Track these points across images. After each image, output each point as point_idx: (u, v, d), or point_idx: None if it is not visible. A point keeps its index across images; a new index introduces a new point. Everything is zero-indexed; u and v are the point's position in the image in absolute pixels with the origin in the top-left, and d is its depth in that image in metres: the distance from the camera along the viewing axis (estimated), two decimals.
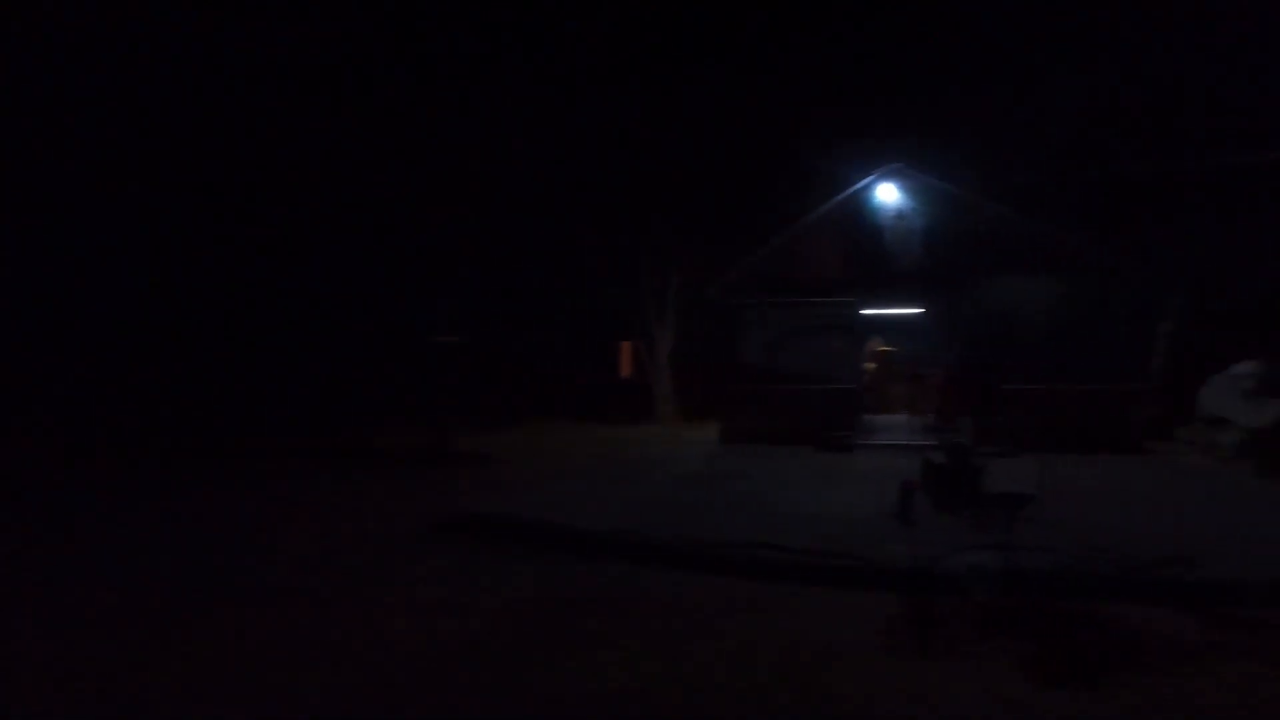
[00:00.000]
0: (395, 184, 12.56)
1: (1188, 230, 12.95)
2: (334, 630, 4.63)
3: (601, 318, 18.57)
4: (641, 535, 6.44)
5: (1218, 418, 9.62)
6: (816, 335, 12.57)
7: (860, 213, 12.45)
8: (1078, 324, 11.32)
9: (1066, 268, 11.42)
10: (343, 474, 10.65)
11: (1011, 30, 18.06)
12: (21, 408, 14.62)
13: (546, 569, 5.93)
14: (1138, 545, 5.74)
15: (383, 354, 15.86)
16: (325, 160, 13.01)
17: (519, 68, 12.60)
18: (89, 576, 5.84)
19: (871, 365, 15.11)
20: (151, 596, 5.29)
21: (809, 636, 4.39)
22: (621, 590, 5.35)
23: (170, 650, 4.28)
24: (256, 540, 7.01)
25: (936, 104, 18.22)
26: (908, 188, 12.23)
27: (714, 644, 4.33)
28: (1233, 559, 5.30)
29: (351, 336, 15.58)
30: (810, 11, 18.44)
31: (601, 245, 16.81)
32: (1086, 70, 14.20)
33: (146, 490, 9.77)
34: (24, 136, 14.79)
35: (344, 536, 7.12)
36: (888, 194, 12.29)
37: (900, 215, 12.20)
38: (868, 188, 12.42)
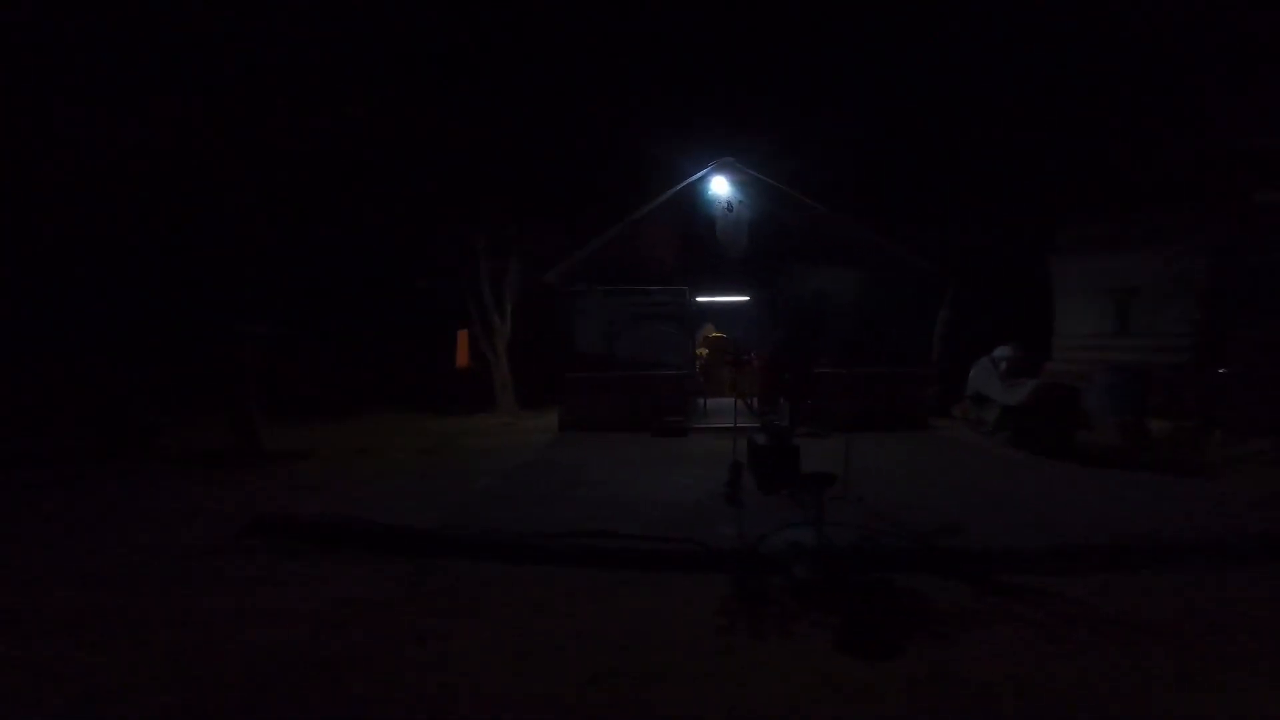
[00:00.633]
0: (198, 164, 10.93)
1: (959, 227, 14.86)
2: (132, 653, 4.06)
3: (437, 306, 17.75)
4: (472, 530, 6.24)
5: (982, 396, 11.16)
6: (651, 322, 12.88)
7: (693, 204, 12.89)
8: (877, 312, 12.58)
9: (867, 260, 12.62)
10: (129, 478, 9.26)
11: (826, 38, 19.53)
12: None
13: (366, 570, 5.56)
14: (923, 516, 6.52)
15: (179, 348, 13.95)
16: (110, 131, 11.00)
17: (357, 47, 11.51)
18: None
19: (704, 350, 15.82)
20: None
21: (643, 622, 4.48)
22: (447, 588, 5.15)
23: None
24: (28, 564, 5.90)
25: (764, 102, 19.31)
26: (737, 181, 12.84)
27: (545, 635, 4.30)
28: (995, 527, 6.14)
29: (144, 329, 13.50)
30: (651, 8, 18.74)
31: (436, 232, 16.03)
32: (894, 79, 15.76)
33: None
34: None
35: (134, 548, 6.22)
36: (719, 187, 12.83)
37: (729, 207, 12.79)
38: (700, 180, 12.89)
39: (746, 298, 15.19)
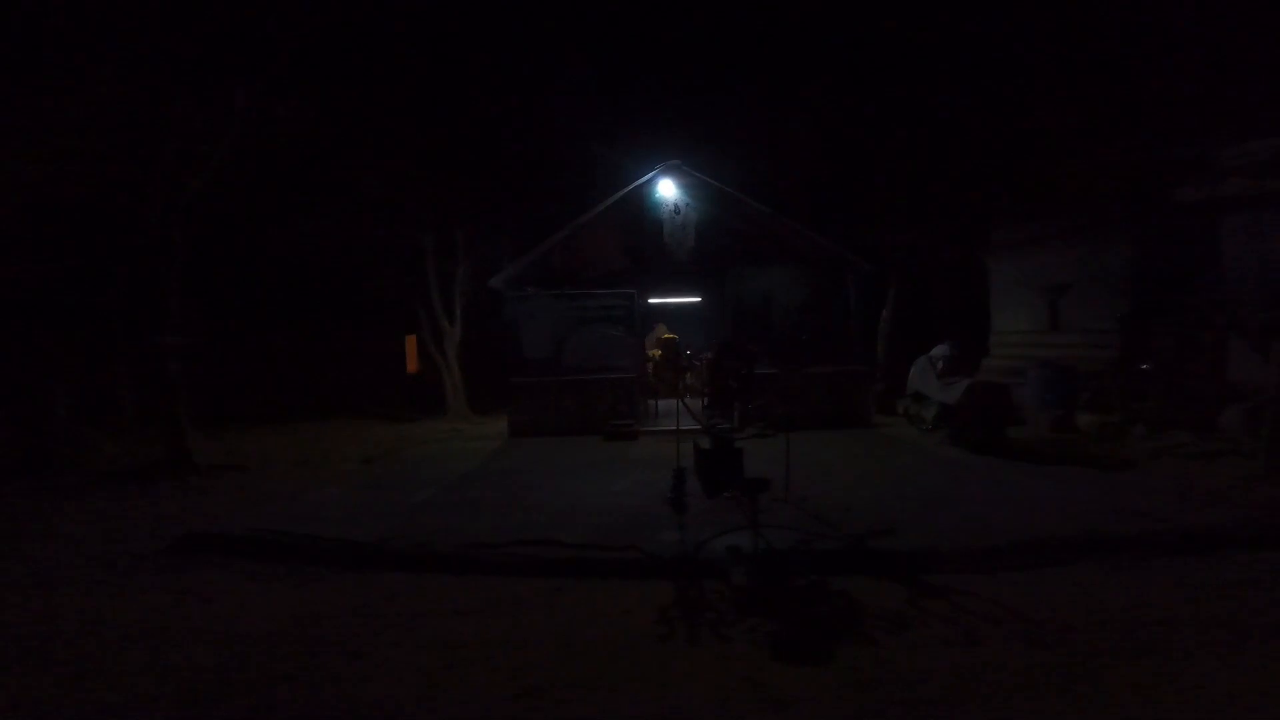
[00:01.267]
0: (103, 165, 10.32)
1: (900, 228, 15.25)
2: (31, 676, 3.87)
3: (386, 311, 17.42)
4: (409, 541, 6.15)
5: (921, 394, 11.48)
6: (599, 325, 12.87)
7: (640, 207, 12.92)
8: (822, 311, 12.81)
9: (811, 260, 12.83)
10: (50, 494, 8.82)
11: (770, 43, 19.80)
12: None
13: (299, 585, 5.44)
14: (861, 517, 6.65)
15: (106, 360, 13.33)
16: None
17: (305, 48, 11.10)
18: None
19: (657, 352, 15.88)
20: None
21: (579, 631, 4.48)
22: (381, 601, 5.07)
23: None
24: None
25: (710, 106, 19.48)
26: (683, 184, 12.92)
27: (478, 647, 4.27)
28: (928, 527, 6.25)
29: (67, 340, 12.81)
30: (599, 16, 18.73)
31: (383, 236, 15.74)
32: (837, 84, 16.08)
33: None
34: None
35: (49, 565, 5.97)
36: (666, 189, 12.90)
37: (676, 210, 12.87)
38: (648, 184, 12.93)
39: (698, 299, 15.31)
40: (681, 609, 4.84)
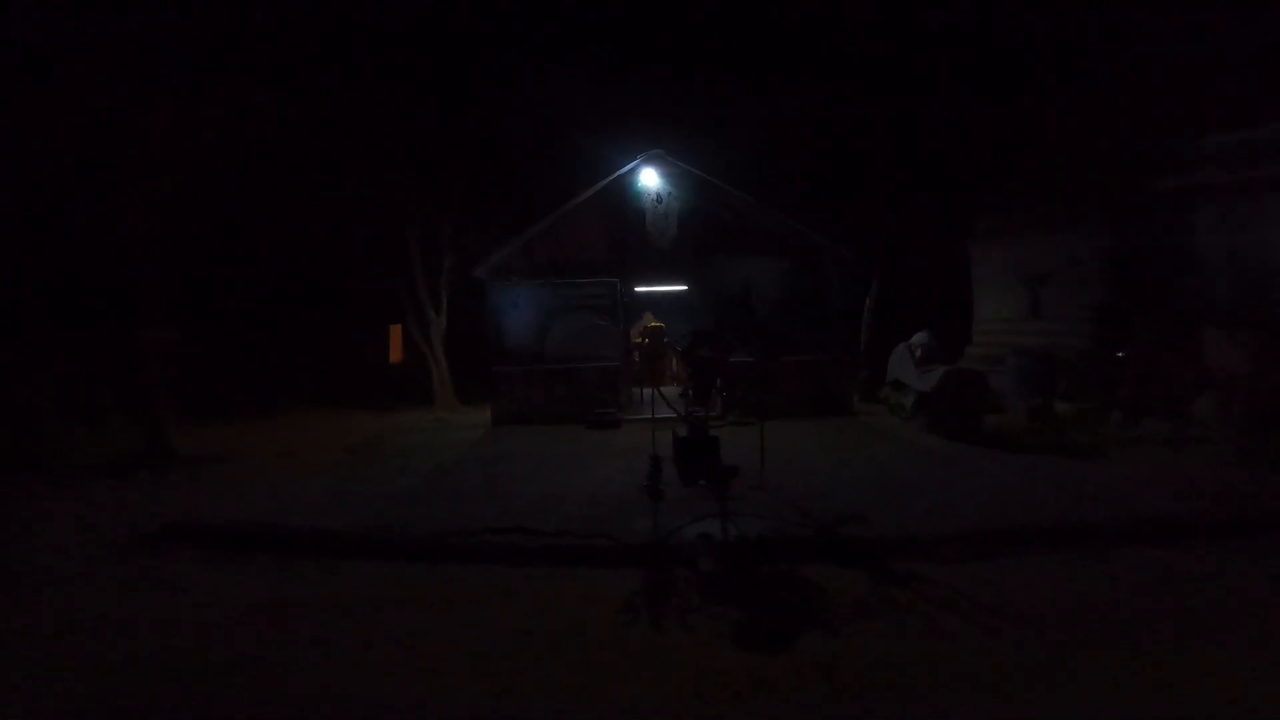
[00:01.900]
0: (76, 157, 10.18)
1: (884, 217, 15.31)
2: (12, 672, 3.91)
3: (371, 301, 17.35)
4: (384, 531, 6.19)
5: (900, 382, 11.57)
6: (583, 314, 12.89)
7: (623, 197, 12.93)
8: (804, 300, 12.87)
9: (793, 250, 12.88)
10: (32, 486, 8.79)
11: (753, 34, 19.74)
12: None
13: (273, 575, 5.49)
14: (833, 504, 6.73)
15: (86, 352, 13.24)
16: None
17: (280, 34, 10.99)
18: None
19: (643, 340, 15.93)
20: None
21: (545, 619, 4.54)
22: (352, 591, 5.12)
23: None
24: None
25: (693, 96, 19.43)
26: (666, 173, 12.93)
27: (443, 634, 4.33)
28: (898, 515, 6.33)
29: (47, 333, 12.71)
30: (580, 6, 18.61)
31: (369, 227, 15.67)
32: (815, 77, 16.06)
33: None
34: None
35: (29, 556, 6.00)
36: (648, 179, 12.90)
37: (659, 199, 12.88)
38: (630, 173, 12.92)
39: (685, 287, 15.34)
40: (648, 597, 4.90)
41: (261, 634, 4.40)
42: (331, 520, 6.52)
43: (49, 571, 5.67)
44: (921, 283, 16.43)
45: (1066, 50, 13.79)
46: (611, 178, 13.00)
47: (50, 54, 9.01)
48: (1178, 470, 7.78)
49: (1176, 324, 10.72)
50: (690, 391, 7.76)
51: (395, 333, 17.42)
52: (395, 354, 17.44)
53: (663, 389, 13.30)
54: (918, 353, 11.06)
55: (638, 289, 15.51)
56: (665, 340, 15.74)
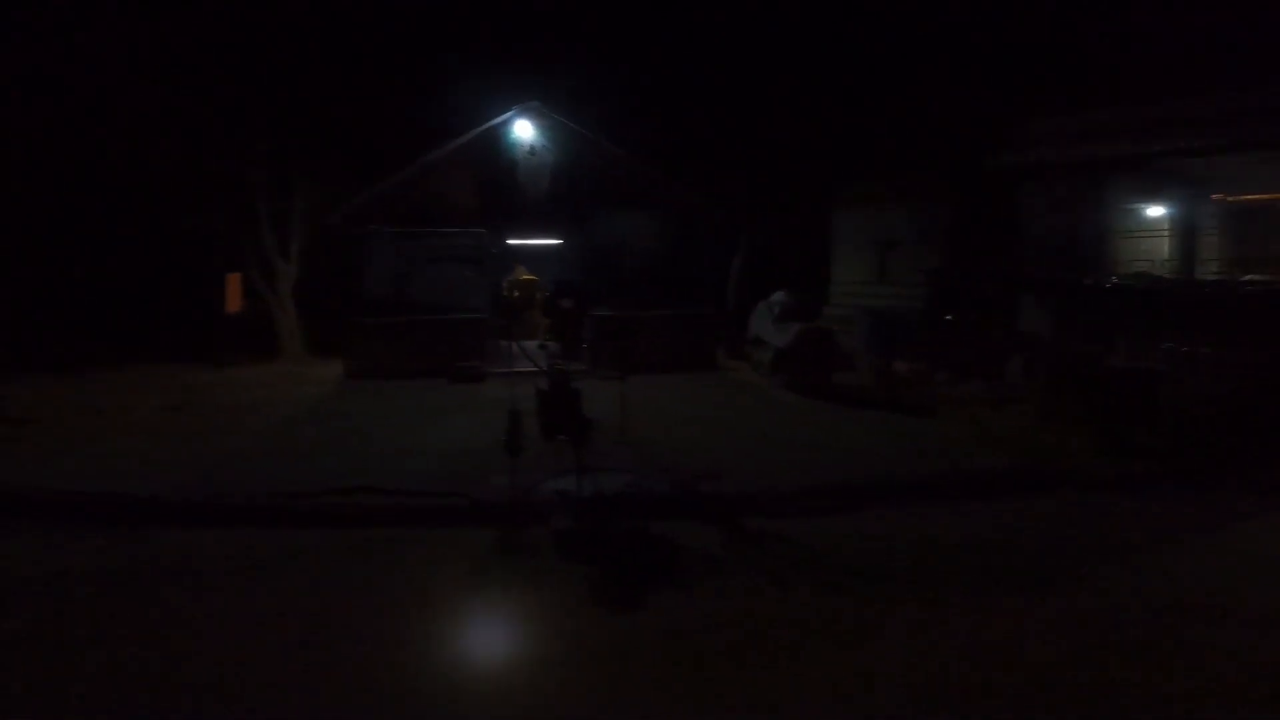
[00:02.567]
0: None
1: (753, 180, 15.77)
2: None
3: (202, 247, 15.57)
4: (202, 495, 5.68)
5: (760, 339, 12.08)
6: (448, 265, 12.32)
7: (495, 147, 12.39)
8: (674, 256, 13.00)
9: (665, 206, 12.91)
10: None
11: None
12: None
13: (68, 545, 4.93)
14: (692, 459, 6.92)
15: None
16: None
17: None
18: None
19: (516, 293, 15.54)
20: None
21: (388, 583, 4.37)
22: (160, 561, 4.71)
23: None
24: None
25: (570, 48, 18.84)
26: (541, 125, 12.47)
27: (271, 601, 4.07)
28: (752, 470, 6.56)
29: None
30: None
31: (205, 166, 14.01)
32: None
33: None
34: None
35: None
36: (522, 130, 12.40)
37: (532, 151, 12.45)
38: (504, 124, 12.38)
39: (560, 240, 15.03)
40: (501, 556, 4.84)
41: (37, 611, 3.93)
42: (148, 484, 5.87)
43: None
44: (787, 245, 17.10)
45: (928, 29, 14.60)
46: (484, 127, 12.44)
47: None
48: (994, 428, 8.52)
49: (996, 290, 11.88)
50: (547, 344, 7.64)
51: (233, 281, 15.84)
52: (233, 303, 15.89)
53: (529, 342, 13.11)
54: (776, 310, 11.52)
55: (511, 241, 15.04)
56: (538, 293, 15.46)
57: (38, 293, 14.58)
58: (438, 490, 5.82)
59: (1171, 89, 11.49)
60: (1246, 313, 9.09)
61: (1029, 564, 4.85)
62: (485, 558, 4.80)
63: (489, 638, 3.78)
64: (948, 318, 11.75)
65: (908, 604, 4.14)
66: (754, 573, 4.60)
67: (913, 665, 3.46)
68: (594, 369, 11.07)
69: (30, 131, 12.35)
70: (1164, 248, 11.68)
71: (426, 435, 7.83)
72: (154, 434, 7.98)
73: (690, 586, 4.39)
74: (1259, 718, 3.13)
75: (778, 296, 11.80)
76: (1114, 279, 11.73)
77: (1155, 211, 12.02)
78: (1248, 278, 11.20)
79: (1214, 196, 11.51)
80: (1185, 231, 11.94)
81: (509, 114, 12.39)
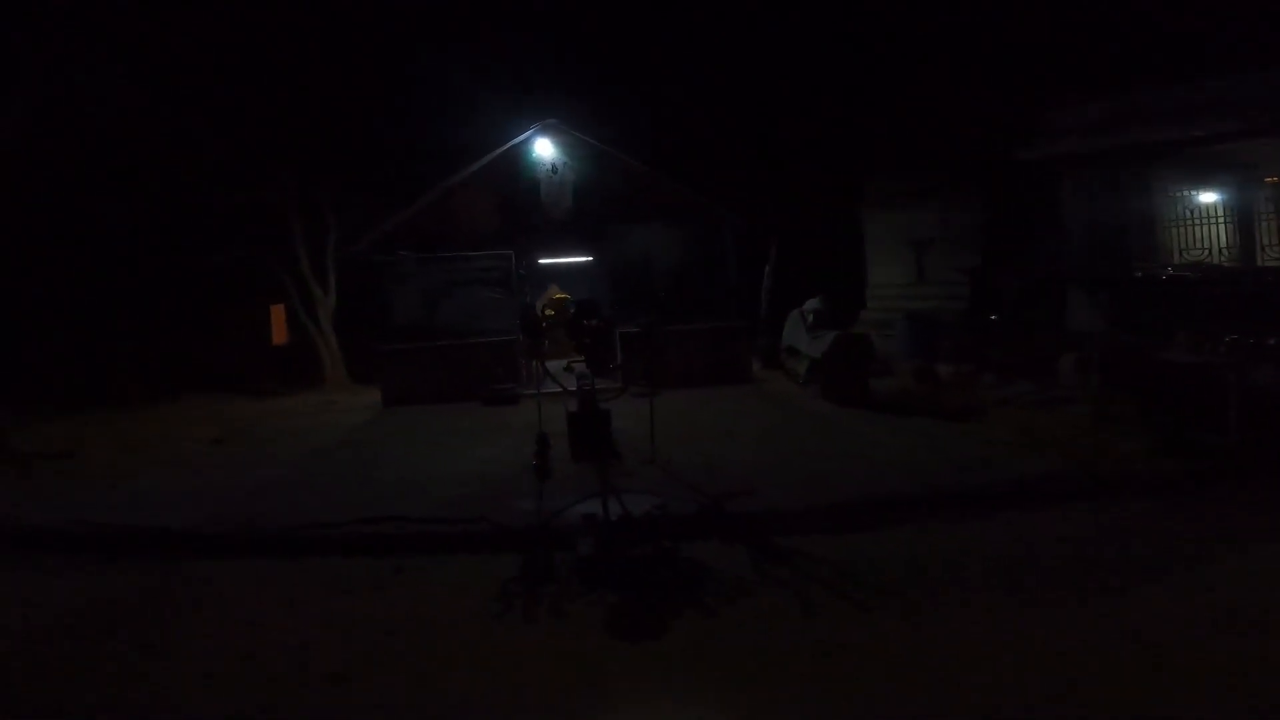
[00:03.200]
0: None
1: (779, 184, 15.52)
2: None
3: (248, 280, 16.06)
4: (231, 526, 5.70)
5: (794, 348, 11.78)
6: (476, 288, 12.41)
7: (516, 167, 12.47)
8: (701, 268, 12.82)
9: (689, 219, 12.74)
10: None
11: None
12: None
13: (102, 577, 5.00)
14: (722, 476, 6.65)
15: None
16: None
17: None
18: None
19: (551, 313, 15.57)
20: None
21: (411, 611, 4.28)
22: (190, 591, 4.73)
23: None
24: None
25: (589, 65, 19.00)
26: (561, 143, 12.51)
27: (292, 634, 4.00)
28: (785, 485, 6.27)
29: None
30: None
31: (242, 202, 14.47)
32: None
33: None
34: None
35: None
36: (543, 149, 12.47)
37: (554, 169, 12.48)
38: (524, 143, 12.47)
39: (590, 258, 15.02)
40: (523, 584, 4.70)
41: (78, 642, 3.98)
42: (179, 516, 5.93)
43: None
44: (818, 249, 16.75)
45: (952, 20, 14.24)
46: (504, 148, 12.49)
47: None
48: (1044, 432, 7.99)
49: (1041, 287, 11.37)
50: (572, 365, 7.53)
51: (277, 313, 16.28)
52: (279, 335, 16.31)
53: (557, 362, 13.06)
54: (810, 319, 11.24)
55: (541, 261, 15.09)
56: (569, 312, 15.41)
57: (92, 330, 15.17)
58: (460, 517, 5.73)
59: (1215, 70, 10.90)
60: None
61: (1080, 578, 4.45)
62: (509, 584, 4.67)
63: (509, 670, 3.62)
64: (992, 317, 11.30)
65: (947, 626, 3.86)
66: (783, 595, 4.36)
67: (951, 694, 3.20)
68: (625, 386, 10.95)
69: (74, 173, 12.89)
70: (1220, 234, 11.01)
71: (453, 461, 7.78)
72: (193, 466, 8.13)
73: (716, 611, 4.18)
74: None
75: (811, 304, 11.52)
76: (1169, 270, 11.14)
77: (1207, 197, 11.36)
78: None
79: (1267, 179, 10.83)
80: (1242, 217, 11.26)
81: (529, 133, 12.45)
